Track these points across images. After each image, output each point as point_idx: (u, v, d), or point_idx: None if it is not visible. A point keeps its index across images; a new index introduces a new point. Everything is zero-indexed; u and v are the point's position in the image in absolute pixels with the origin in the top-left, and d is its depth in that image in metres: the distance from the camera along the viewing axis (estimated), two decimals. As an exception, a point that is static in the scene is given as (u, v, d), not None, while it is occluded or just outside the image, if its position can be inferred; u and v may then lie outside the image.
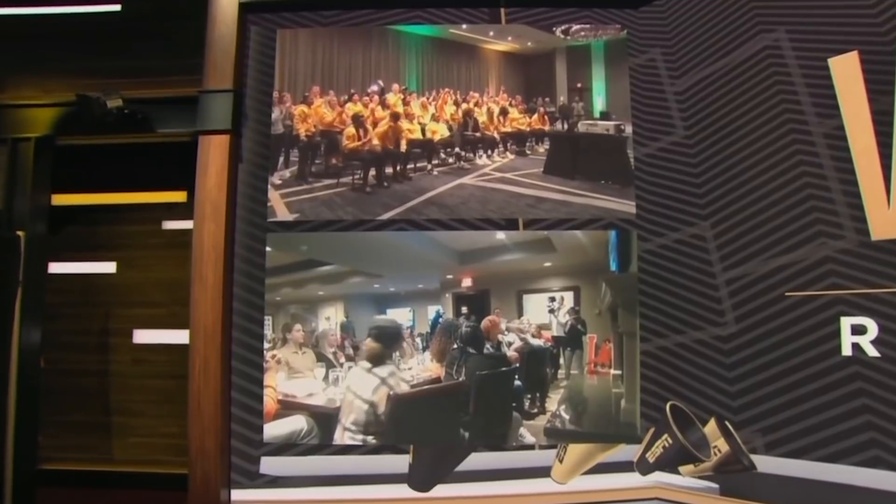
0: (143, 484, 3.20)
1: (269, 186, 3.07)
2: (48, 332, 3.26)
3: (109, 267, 3.54)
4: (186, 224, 3.56)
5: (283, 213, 3.03)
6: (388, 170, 3.08)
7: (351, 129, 3.09)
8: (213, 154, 3.05)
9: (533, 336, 2.93)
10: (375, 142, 3.10)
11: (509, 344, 2.90)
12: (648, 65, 3.03)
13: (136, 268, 3.52)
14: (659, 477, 2.81)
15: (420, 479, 2.85)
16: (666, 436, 2.80)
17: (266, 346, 2.97)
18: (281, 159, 3.11)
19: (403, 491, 2.85)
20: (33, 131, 3.22)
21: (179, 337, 3.45)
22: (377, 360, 2.92)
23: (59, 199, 3.37)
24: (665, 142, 2.96)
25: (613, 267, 2.96)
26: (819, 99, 2.52)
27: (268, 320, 3.00)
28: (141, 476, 3.24)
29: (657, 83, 3.00)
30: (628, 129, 3.02)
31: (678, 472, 2.77)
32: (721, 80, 2.81)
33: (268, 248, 3.01)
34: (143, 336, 3.45)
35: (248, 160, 3.10)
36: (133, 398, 3.42)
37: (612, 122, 3.05)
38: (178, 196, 3.49)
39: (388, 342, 2.95)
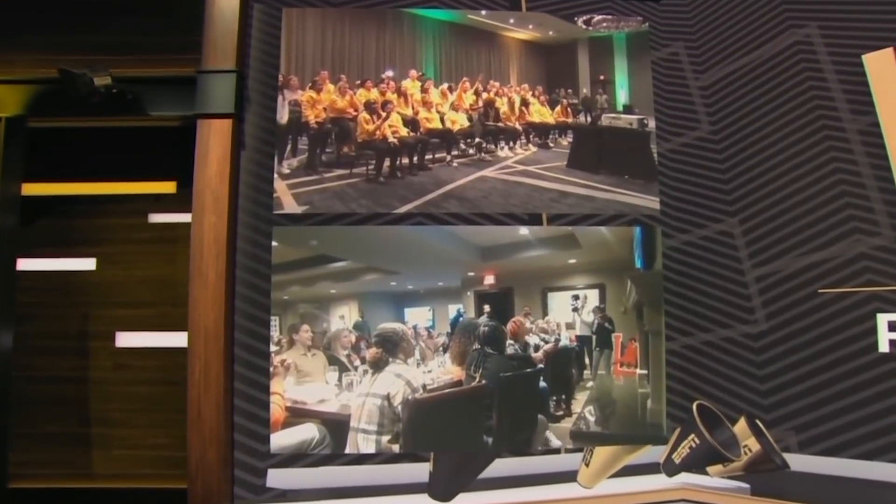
0: (127, 501, 2.90)
1: (276, 176, 2.85)
2: (19, 334, 2.91)
3: (88, 263, 3.20)
4: (175, 217, 3.27)
5: (290, 205, 2.82)
6: (405, 160, 2.91)
7: (366, 115, 2.90)
8: (214, 140, 2.80)
9: (557, 337, 2.82)
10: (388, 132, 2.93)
11: (536, 347, 2.78)
12: (671, 59, 2.98)
13: (118, 264, 3.20)
14: (686, 478, 2.74)
15: (441, 488, 2.69)
16: (693, 436, 2.74)
17: (272, 348, 2.75)
18: (288, 147, 2.89)
19: (424, 501, 2.68)
20: (3, 111, 2.88)
21: (167, 339, 3.17)
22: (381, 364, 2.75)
23: (32, 189, 3.03)
24: (689, 137, 2.92)
25: (638, 264, 2.89)
26: (853, 95, 2.52)
27: (274, 321, 2.78)
28: (125, 492, 2.93)
29: (680, 77, 2.96)
30: (652, 124, 2.96)
31: (706, 473, 2.71)
32: (749, 76, 2.78)
33: (274, 243, 2.79)
34: (126, 339, 3.13)
35: (251, 147, 2.86)
36: (115, 407, 3.10)
37: (635, 116, 2.98)
38: (167, 187, 3.20)
39: (392, 348, 2.76)
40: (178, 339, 3.06)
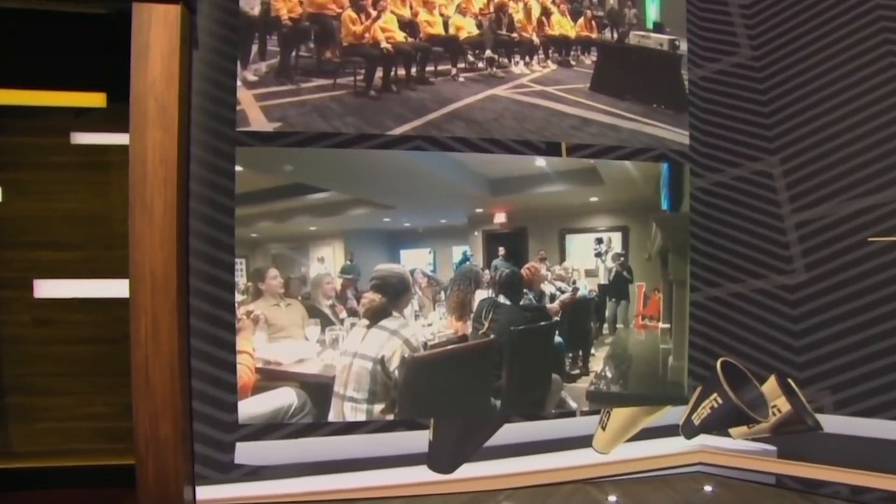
0: (61, 481, 2.34)
1: (239, 84, 2.27)
2: None
3: (-9, 193, 2.50)
4: (106, 138, 2.60)
5: (258, 121, 2.26)
6: (401, 71, 2.39)
7: (352, 13, 2.34)
8: (157, 31, 2.16)
9: (575, 286, 2.48)
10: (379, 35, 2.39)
11: (553, 296, 2.42)
12: (709, -31, 2.59)
13: (32, 195, 2.48)
14: (705, 440, 2.53)
15: (443, 458, 2.34)
16: (715, 395, 2.50)
17: (238, 297, 2.24)
18: (254, 48, 2.30)
19: (422, 474, 2.32)
20: None
21: (100, 288, 2.55)
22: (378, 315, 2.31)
23: None
24: (726, 63, 2.56)
25: (665, 205, 2.56)
26: (925, 18, 2.24)
27: (240, 264, 2.26)
28: (56, 472, 2.38)
29: (720, -8, 2.58)
30: (684, 46, 2.58)
31: (728, 435, 2.50)
32: (801, -7, 2.44)
33: (238, 168, 2.24)
34: (47, 288, 2.47)
35: (206, 45, 2.25)
36: (37, 371, 2.47)
37: (666, 37, 2.59)
38: (93, 98, 2.49)
39: (393, 296, 2.32)
40: (113, 288, 2.47)
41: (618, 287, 2.51)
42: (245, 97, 2.27)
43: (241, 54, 2.28)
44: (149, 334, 2.12)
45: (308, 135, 2.29)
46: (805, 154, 2.41)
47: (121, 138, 2.21)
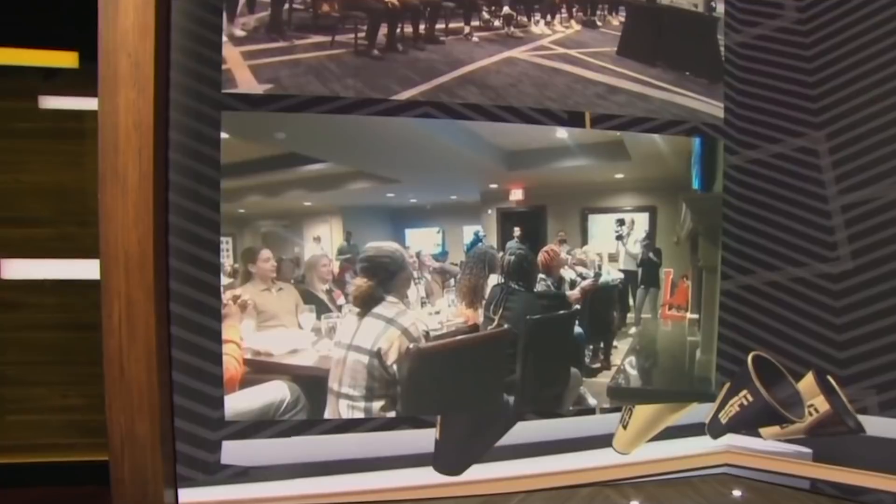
0: (33, 478, 2.13)
1: (225, 39, 2.01)
2: None
3: (-51, 164, 2.24)
4: (80, 102, 2.34)
5: (246, 83, 2.01)
6: (408, 28, 2.13)
7: (353, -38, 2.08)
8: (130, -24, 1.90)
9: (597, 272, 2.26)
10: (384, -12, 2.12)
11: (573, 283, 2.20)
12: (753, -80, 2.33)
13: None
14: (732, 440, 2.34)
15: (450, 459, 2.13)
16: (745, 392, 2.30)
17: (224, 281, 2.00)
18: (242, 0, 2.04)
19: (428, 475, 2.12)
20: None
21: (73, 269, 2.32)
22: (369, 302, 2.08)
23: None
24: (768, 27, 2.31)
25: (696, 184, 2.33)
26: None
27: (226, 243, 2.02)
28: (28, 468, 2.16)
29: (763, -54, 2.32)
30: (721, 8, 2.33)
31: (758, 435, 2.31)
32: (857, -53, 2.19)
33: (223, 135, 1.99)
34: (14, 268, 2.23)
35: (188, -7, 1.99)
36: (6, 360, 2.25)
37: (701, -5, 2.34)
38: (64, 58, 2.22)
39: (386, 279, 2.09)
40: (88, 269, 2.23)
41: (646, 273, 2.29)
42: (232, 55, 2.01)
43: (227, 5, 2.01)
44: (123, 321, 1.88)
45: (303, 99, 2.03)
46: (854, 129, 2.18)
47: (95, 103, 1.97)
